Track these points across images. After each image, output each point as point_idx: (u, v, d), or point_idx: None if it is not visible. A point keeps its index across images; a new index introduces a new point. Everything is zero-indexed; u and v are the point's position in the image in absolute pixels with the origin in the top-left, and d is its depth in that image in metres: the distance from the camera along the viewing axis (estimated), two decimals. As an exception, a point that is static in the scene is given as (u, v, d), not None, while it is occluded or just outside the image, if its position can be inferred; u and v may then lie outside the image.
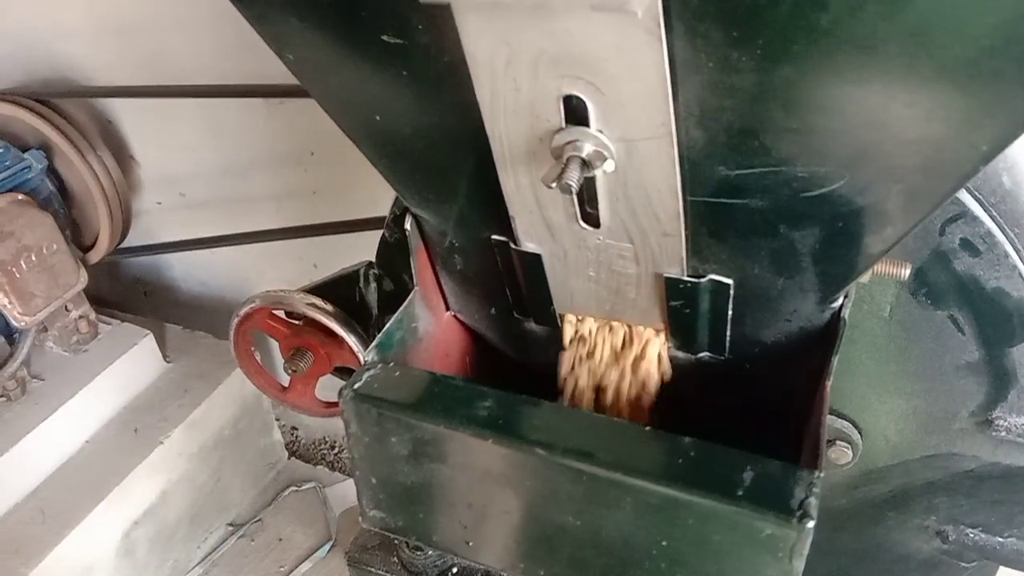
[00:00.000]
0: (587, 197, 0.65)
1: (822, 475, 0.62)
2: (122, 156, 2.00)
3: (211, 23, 1.67)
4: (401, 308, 0.84)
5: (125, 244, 2.05)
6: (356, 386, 0.74)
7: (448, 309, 0.94)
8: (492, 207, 0.70)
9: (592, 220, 0.67)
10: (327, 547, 2.06)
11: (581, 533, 0.69)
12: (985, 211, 0.76)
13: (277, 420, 2.28)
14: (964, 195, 0.76)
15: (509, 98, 0.58)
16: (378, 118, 0.68)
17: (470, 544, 0.76)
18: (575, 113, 0.57)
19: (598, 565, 0.70)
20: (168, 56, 1.78)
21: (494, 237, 0.76)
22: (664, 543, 0.66)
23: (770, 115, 0.54)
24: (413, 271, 0.86)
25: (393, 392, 0.74)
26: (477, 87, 0.58)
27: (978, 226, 0.76)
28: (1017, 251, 0.77)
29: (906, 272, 0.73)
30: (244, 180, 1.94)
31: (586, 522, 0.68)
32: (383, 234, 0.94)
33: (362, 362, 0.79)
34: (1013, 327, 0.78)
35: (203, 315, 2.25)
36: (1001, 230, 0.77)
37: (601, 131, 0.58)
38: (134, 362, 1.96)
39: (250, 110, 1.78)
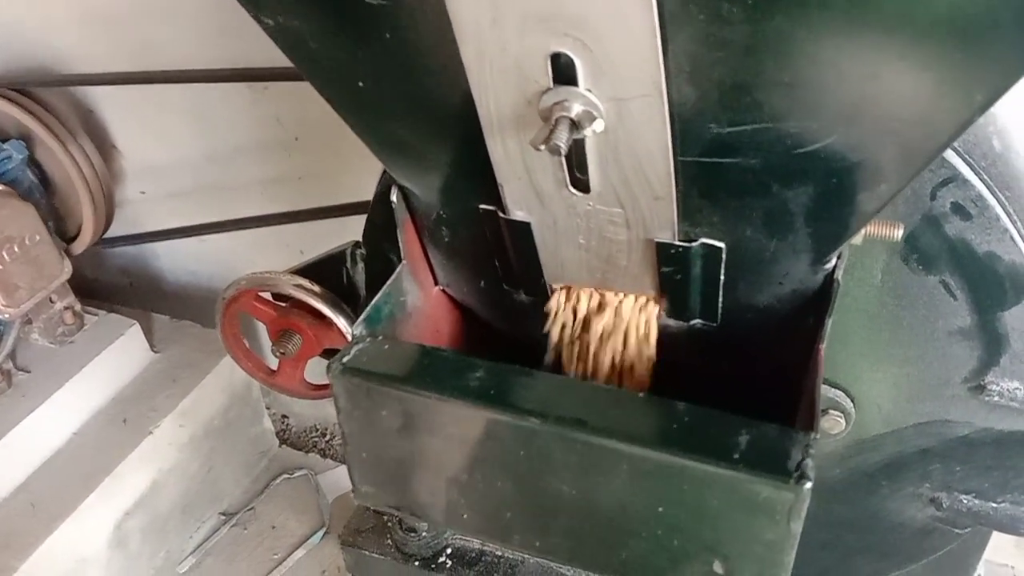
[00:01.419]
0: (576, 161, 0.64)
1: (818, 437, 0.62)
2: (104, 146, 1.98)
3: (192, 9, 1.65)
4: (388, 282, 0.83)
5: (109, 234, 2.04)
6: (345, 360, 0.73)
7: (437, 284, 0.93)
8: (480, 175, 0.69)
9: (582, 185, 0.66)
10: (320, 534, 2.06)
11: (577, 502, 0.68)
12: (976, 175, 0.76)
13: (267, 408, 2.27)
14: (954, 159, 0.75)
15: (495, 58, 0.57)
16: (362, 84, 0.67)
17: (464, 517, 0.75)
18: (563, 73, 0.56)
19: (595, 534, 0.70)
20: (149, 44, 1.76)
21: (482, 207, 0.75)
22: (661, 509, 0.65)
23: (762, 69, 0.53)
24: (401, 245, 0.85)
25: (382, 365, 0.73)
26: (462, 47, 0.57)
27: (969, 190, 0.75)
28: (1008, 214, 0.77)
29: (899, 233, 0.73)
30: (229, 167, 1.92)
31: (582, 491, 0.68)
32: (369, 212, 0.93)
33: (350, 338, 0.78)
34: (1005, 291, 0.78)
35: (190, 304, 2.23)
36: (992, 193, 0.76)
37: (590, 90, 0.57)
38: (121, 353, 1.95)
39: (234, 96, 1.77)
